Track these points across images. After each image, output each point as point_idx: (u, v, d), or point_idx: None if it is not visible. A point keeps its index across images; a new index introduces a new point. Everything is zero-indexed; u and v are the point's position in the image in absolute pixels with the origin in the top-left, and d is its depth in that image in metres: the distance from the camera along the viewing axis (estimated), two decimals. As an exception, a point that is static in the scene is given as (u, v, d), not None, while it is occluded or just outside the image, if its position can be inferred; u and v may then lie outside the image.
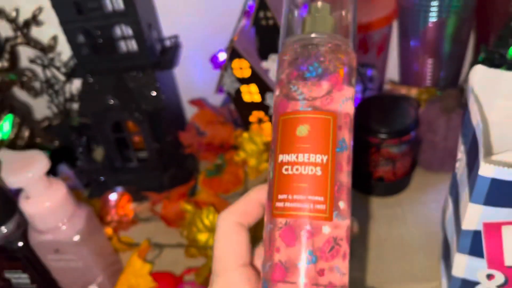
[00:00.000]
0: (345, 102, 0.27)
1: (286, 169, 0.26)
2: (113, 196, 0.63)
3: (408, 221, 0.58)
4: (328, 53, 0.27)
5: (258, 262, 0.30)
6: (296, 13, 0.30)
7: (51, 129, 0.70)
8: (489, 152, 0.38)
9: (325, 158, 0.26)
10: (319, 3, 0.28)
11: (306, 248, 0.25)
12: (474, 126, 0.37)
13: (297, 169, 0.26)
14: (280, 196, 0.26)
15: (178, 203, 0.60)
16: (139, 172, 0.65)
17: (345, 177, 0.27)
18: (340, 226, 0.26)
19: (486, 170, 0.33)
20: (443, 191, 0.55)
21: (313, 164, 0.26)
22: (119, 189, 0.65)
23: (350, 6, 0.29)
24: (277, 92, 0.28)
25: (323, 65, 0.27)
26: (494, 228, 0.37)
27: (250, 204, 0.30)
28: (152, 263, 0.55)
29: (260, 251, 0.30)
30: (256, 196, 0.30)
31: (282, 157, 0.26)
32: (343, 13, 0.29)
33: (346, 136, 0.27)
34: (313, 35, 0.28)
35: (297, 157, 0.26)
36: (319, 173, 0.26)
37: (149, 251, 0.57)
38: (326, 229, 0.26)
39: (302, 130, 0.26)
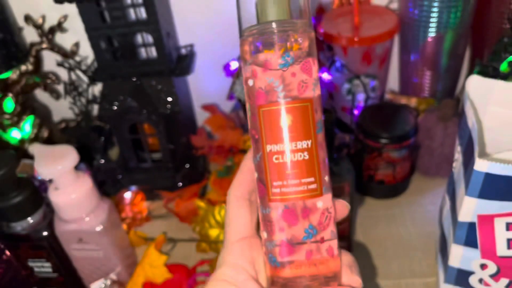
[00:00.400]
0: (316, 85, 0.29)
1: (277, 158, 0.28)
2: (127, 195, 0.67)
3: (407, 221, 0.61)
4: (292, 41, 0.28)
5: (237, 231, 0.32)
6: None
7: (69, 130, 0.74)
8: (483, 150, 0.43)
9: (309, 142, 0.28)
10: None
11: (306, 224, 0.28)
12: (470, 128, 0.42)
13: (287, 158, 0.28)
14: (275, 183, 0.28)
15: (190, 201, 0.63)
16: (152, 172, 0.69)
17: (324, 153, 0.29)
18: (328, 197, 0.29)
19: (481, 165, 0.37)
20: (439, 194, 0.59)
21: (300, 150, 0.28)
22: (133, 188, 0.68)
23: None
24: (250, 82, 0.29)
25: (291, 54, 0.28)
26: (487, 220, 0.41)
27: (243, 175, 0.32)
28: (167, 255, 0.58)
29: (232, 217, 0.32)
30: (248, 167, 0.31)
31: (271, 147, 0.28)
32: None
33: (321, 117, 0.29)
34: (272, 25, 0.28)
35: (285, 147, 0.28)
36: (307, 157, 0.28)
37: (163, 245, 0.60)
38: (320, 203, 0.29)
39: (285, 120, 0.28)
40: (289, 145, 0.28)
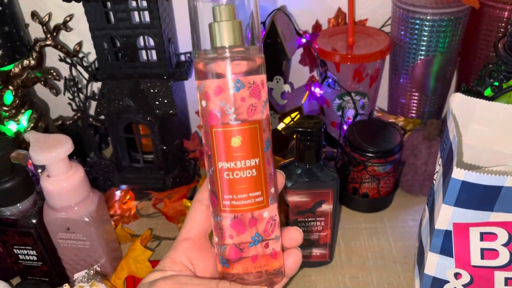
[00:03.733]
0: (264, 107, 0.31)
1: (227, 174, 0.31)
2: (117, 193, 0.68)
3: (388, 235, 0.63)
4: (242, 66, 0.30)
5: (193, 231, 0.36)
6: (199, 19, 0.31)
7: (65, 127, 0.75)
8: (461, 160, 0.45)
9: (257, 160, 0.31)
10: (222, 7, 0.30)
11: (253, 232, 0.32)
12: (451, 140, 0.44)
13: (236, 174, 0.31)
14: (225, 196, 0.31)
15: (178, 202, 0.65)
16: (144, 173, 0.70)
17: (271, 167, 0.33)
18: (274, 206, 0.33)
19: (458, 173, 0.39)
20: (421, 211, 0.61)
21: (249, 167, 0.31)
22: (124, 186, 0.70)
23: (254, 6, 0.31)
24: (203, 103, 0.31)
25: (242, 80, 0.30)
26: (463, 229, 0.43)
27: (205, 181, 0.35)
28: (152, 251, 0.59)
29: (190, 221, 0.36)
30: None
31: (222, 164, 0.31)
32: (249, 14, 0.31)
33: (269, 135, 0.32)
34: (225, 51, 0.30)
35: (235, 164, 0.31)
36: (255, 173, 0.31)
37: (149, 242, 0.61)
38: (266, 213, 0.32)
39: (236, 141, 0.30)
40: (238, 163, 0.31)
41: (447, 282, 0.46)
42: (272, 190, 0.33)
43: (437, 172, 0.49)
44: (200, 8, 0.31)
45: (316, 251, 0.57)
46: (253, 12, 0.31)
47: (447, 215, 0.42)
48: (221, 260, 0.33)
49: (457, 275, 0.46)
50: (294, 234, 0.35)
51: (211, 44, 0.30)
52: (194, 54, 0.32)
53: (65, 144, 0.50)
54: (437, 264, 0.46)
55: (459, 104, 0.48)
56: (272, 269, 0.33)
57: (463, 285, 0.46)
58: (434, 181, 0.50)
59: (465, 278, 0.45)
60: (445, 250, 0.45)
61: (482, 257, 0.44)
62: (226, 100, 0.30)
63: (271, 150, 0.33)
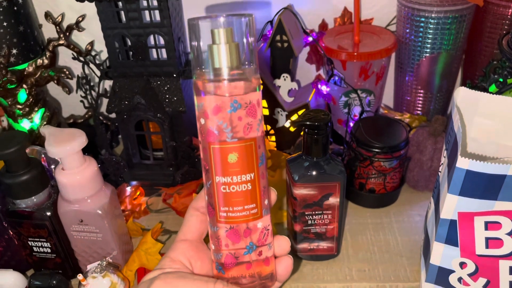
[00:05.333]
0: (260, 125, 0.33)
1: (224, 188, 0.33)
2: (128, 189, 0.69)
3: (394, 230, 0.64)
4: (240, 88, 0.32)
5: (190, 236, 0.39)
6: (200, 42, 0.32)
7: (76, 125, 0.77)
8: (465, 150, 0.45)
9: (252, 175, 0.33)
10: (221, 30, 0.31)
11: (248, 241, 0.35)
12: (456, 132, 0.45)
13: (233, 188, 0.33)
14: (222, 208, 0.34)
15: (187, 198, 0.66)
16: (154, 169, 0.72)
17: (265, 181, 0.35)
18: (267, 217, 0.35)
19: (462, 162, 0.40)
20: (426, 206, 0.62)
21: (244, 182, 0.33)
22: (134, 183, 0.71)
23: (251, 28, 0.32)
24: (202, 121, 0.33)
25: (239, 100, 0.32)
26: (468, 218, 0.44)
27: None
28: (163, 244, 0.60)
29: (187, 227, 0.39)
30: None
31: (219, 179, 0.33)
32: (245, 36, 0.32)
33: (263, 150, 0.34)
34: (223, 73, 0.32)
35: (231, 179, 0.33)
36: (250, 187, 0.33)
37: (159, 235, 0.62)
38: (260, 224, 0.35)
39: (232, 157, 0.32)
40: (235, 178, 0.33)
41: (453, 271, 0.47)
42: (266, 202, 0.35)
43: (442, 164, 0.50)
44: (201, 28, 0.32)
45: (323, 244, 0.58)
46: (249, 33, 0.32)
47: (452, 205, 0.43)
48: (217, 266, 0.36)
49: (462, 265, 0.46)
50: (282, 243, 0.37)
51: (211, 65, 0.32)
52: (193, 73, 0.33)
53: (79, 138, 0.52)
54: (442, 254, 0.47)
55: (463, 98, 0.49)
56: (265, 274, 0.36)
57: (468, 274, 0.47)
58: (439, 173, 0.51)
59: (470, 267, 0.46)
60: (450, 239, 0.46)
61: (487, 246, 0.44)
62: (223, 119, 0.32)
63: (266, 164, 0.35)
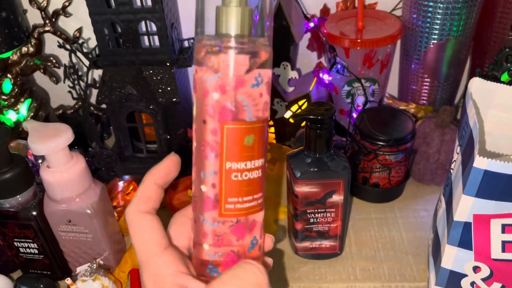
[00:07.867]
0: (269, 104, 0.30)
1: (235, 176, 0.28)
2: (120, 183, 0.66)
3: (399, 226, 0.61)
4: (264, 60, 0.28)
5: (176, 242, 0.32)
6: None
7: (66, 116, 0.73)
8: (483, 148, 0.42)
9: (263, 160, 0.29)
10: None
11: (252, 236, 0.30)
12: (471, 127, 0.41)
13: (245, 175, 0.28)
14: (230, 199, 0.29)
15: (183, 193, 0.63)
16: (147, 163, 0.68)
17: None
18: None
19: (480, 162, 0.37)
20: (433, 201, 0.59)
21: (257, 168, 0.29)
22: (126, 177, 0.68)
23: None
24: (214, 96, 0.27)
25: (263, 74, 0.28)
26: (484, 221, 0.41)
27: (148, 189, 0.31)
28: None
29: (174, 232, 0.32)
30: (151, 180, 0.31)
31: (231, 164, 0.28)
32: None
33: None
34: (231, 40, 0.27)
35: (245, 165, 0.28)
36: (260, 174, 0.29)
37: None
38: (261, 215, 0.31)
39: (249, 139, 0.28)
40: (248, 164, 0.29)
41: (465, 275, 0.45)
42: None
43: (454, 161, 0.47)
44: None
45: (326, 243, 0.55)
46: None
47: (467, 207, 0.40)
48: (212, 269, 0.30)
49: (476, 269, 0.44)
50: (268, 241, 0.33)
51: (217, 29, 0.28)
52: (198, 36, 0.28)
53: (65, 134, 0.48)
54: (455, 257, 0.44)
55: (478, 88, 0.46)
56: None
57: (482, 279, 0.44)
58: (451, 170, 0.47)
59: (485, 271, 0.43)
60: (464, 242, 0.43)
61: (503, 250, 0.42)
62: (245, 94, 0.27)
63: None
